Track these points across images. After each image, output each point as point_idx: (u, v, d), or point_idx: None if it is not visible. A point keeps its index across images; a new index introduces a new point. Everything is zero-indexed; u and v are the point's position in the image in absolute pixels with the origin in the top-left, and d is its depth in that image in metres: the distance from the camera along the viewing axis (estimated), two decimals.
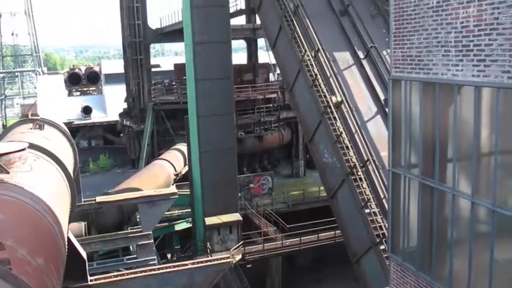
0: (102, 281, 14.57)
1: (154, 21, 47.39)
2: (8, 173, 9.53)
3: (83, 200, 18.78)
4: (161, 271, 15.31)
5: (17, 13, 79.62)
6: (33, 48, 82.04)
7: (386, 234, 13.55)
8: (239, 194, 30.85)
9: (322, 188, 27.19)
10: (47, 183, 10.70)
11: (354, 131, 18.06)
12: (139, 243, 19.12)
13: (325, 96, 18.59)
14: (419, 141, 9.79)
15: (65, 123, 18.87)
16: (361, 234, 16.92)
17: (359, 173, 17.16)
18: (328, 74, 19.25)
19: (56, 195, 10.72)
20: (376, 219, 16.36)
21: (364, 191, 16.84)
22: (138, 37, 43.64)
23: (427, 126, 9.61)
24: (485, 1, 8.01)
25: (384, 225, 15.64)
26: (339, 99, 18.61)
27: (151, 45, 50.52)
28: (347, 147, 17.69)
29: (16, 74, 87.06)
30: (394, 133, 10.50)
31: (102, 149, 53.73)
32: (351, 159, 17.44)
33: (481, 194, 8.34)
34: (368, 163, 17.21)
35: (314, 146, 19.70)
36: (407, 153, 10.28)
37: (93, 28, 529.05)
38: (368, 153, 17.59)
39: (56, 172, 11.91)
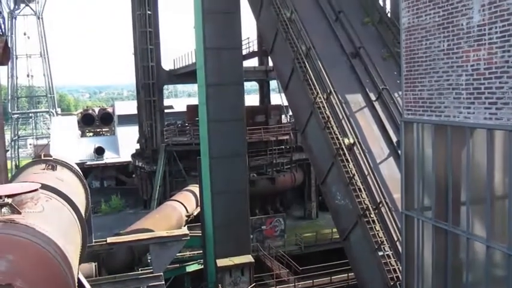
0: None
1: (167, 62, 48.17)
2: (19, 213, 9.55)
3: (94, 240, 18.69)
4: None
5: (33, 55, 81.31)
6: (47, 89, 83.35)
7: (400, 277, 13.31)
8: (251, 236, 30.60)
9: (335, 230, 26.91)
10: (58, 224, 10.70)
11: (366, 173, 17.96)
12: (150, 284, 18.88)
13: (337, 138, 18.57)
14: (432, 183, 9.72)
15: (78, 164, 18.98)
16: (374, 277, 16.61)
17: (372, 215, 16.97)
18: (341, 116, 19.29)
19: (67, 236, 10.70)
20: (389, 262, 16.08)
21: (378, 234, 16.61)
22: (151, 78, 44.26)
23: (439, 169, 9.55)
24: (495, 44, 8.07)
25: (398, 268, 15.36)
26: (351, 141, 18.59)
27: (165, 87, 51.17)
28: (360, 189, 17.55)
29: (30, 114, 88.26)
30: (407, 175, 10.44)
31: (114, 189, 53.82)
32: (364, 201, 17.28)
33: (496, 238, 8.21)
34: (381, 205, 17.04)
35: (326, 188, 19.59)
36: (420, 196, 10.20)
37: (107, 70, 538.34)
38: (381, 196, 17.45)
39: (68, 213, 11.91)
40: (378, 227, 16.78)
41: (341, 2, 24.42)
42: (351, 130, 19.11)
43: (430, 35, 9.89)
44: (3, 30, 29.42)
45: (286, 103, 25.81)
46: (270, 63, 38.53)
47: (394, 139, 19.41)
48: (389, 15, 25.47)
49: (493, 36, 8.24)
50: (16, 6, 78.34)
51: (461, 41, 8.98)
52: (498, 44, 8.10)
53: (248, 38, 40.60)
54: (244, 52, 34.79)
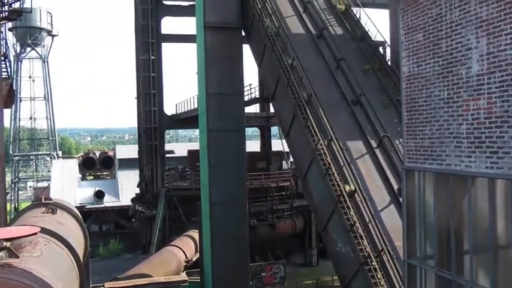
0: None
1: (169, 107, 48.56)
2: (17, 257, 9.48)
3: (91, 285, 18.44)
4: None
5: (37, 98, 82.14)
6: (49, 132, 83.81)
7: None
8: (251, 283, 30.15)
9: (335, 277, 26.54)
10: (56, 268, 10.59)
11: (367, 220, 17.86)
12: None
13: (338, 185, 18.55)
14: (434, 231, 9.66)
15: (77, 207, 18.94)
16: None
17: (373, 263, 16.77)
18: (342, 163, 19.33)
19: (65, 281, 10.57)
20: None
21: (379, 282, 16.38)
22: (153, 123, 44.55)
23: (441, 217, 9.52)
24: (494, 94, 8.18)
25: None
26: (353, 188, 18.56)
27: (166, 131, 51.46)
28: (361, 236, 17.41)
29: (31, 157, 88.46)
30: (409, 223, 10.39)
31: (113, 233, 53.38)
32: (365, 248, 17.11)
33: None
34: (383, 253, 16.87)
35: (327, 235, 19.43)
36: (423, 244, 10.12)
37: (109, 113, 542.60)
38: (382, 243, 17.29)
39: (66, 257, 11.82)
40: (379, 275, 16.56)
41: (342, 49, 24.84)
42: (352, 177, 19.12)
43: (430, 84, 10.03)
44: (9, 73, 29.85)
45: (287, 149, 25.89)
46: (272, 110, 38.85)
47: (395, 187, 19.37)
48: (389, 63, 25.85)
49: (492, 86, 8.36)
50: (22, 50, 79.64)
51: (461, 90, 9.10)
52: (497, 93, 8.21)
53: (250, 85, 41.16)
54: (246, 98, 35.16)
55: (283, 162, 46.04)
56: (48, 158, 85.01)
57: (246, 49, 28.24)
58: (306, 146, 20.50)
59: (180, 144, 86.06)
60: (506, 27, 8.27)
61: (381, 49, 27.13)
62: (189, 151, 47.21)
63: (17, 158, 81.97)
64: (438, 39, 9.95)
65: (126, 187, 58.04)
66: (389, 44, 26.88)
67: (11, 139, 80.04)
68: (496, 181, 8.18)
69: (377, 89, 23.75)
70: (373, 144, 21.06)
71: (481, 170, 8.43)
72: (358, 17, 27.21)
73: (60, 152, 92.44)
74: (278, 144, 44.20)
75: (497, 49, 8.39)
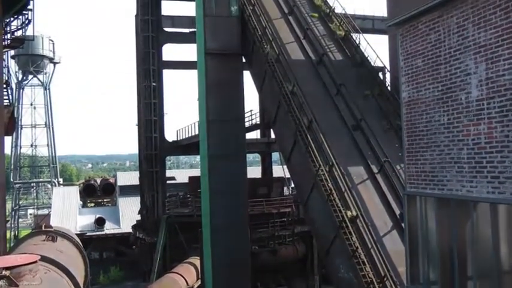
0: None
1: (171, 133, 48.67)
2: (17, 286, 9.41)
3: None
4: None
5: (38, 125, 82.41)
6: (50, 159, 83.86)
7: None
8: None
9: None
10: None
11: (370, 246, 17.74)
12: None
13: (340, 210, 18.48)
14: (437, 257, 9.59)
15: (78, 235, 18.86)
16: None
17: None
18: (343, 189, 19.29)
19: None
20: None
21: None
22: (154, 149, 44.56)
23: (444, 242, 9.46)
24: (494, 119, 8.20)
25: None
26: (354, 213, 18.49)
27: (167, 158, 51.44)
28: (363, 262, 17.28)
29: (32, 184, 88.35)
30: (411, 248, 10.32)
31: (114, 260, 53.00)
32: (368, 274, 16.96)
33: None
34: (385, 279, 16.71)
35: (329, 261, 19.29)
36: (426, 269, 10.04)
37: (110, 140, 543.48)
38: (385, 269, 17.14)
39: (66, 285, 11.74)
40: None
41: (342, 75, 24.98)
42: (353, 202, 19.06)
43: (430, 109, 10.07)
44: (11, 101, 30.00)
45: (288, 175, 25.87)
46: (272, 136, 38.92)
47: (397, 212, 19.30)
48: (389, 88, 25.97)
49: (491, 111, 8.39)
50: (24, 77, 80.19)
51: (461, 115, 9.13)
52: (497, 118, 8.24)
53: (251, 111, 41.25)
54: (247, 124, 35.24)
55: (285, 188, 45.89)
56: (49, 186, 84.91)
57: (247, 75, 28.46)
58: (307, 171, 20.49)
59: (181, 170, 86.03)
60: (504, 53, 8.33)
61: (380, 74, 27.28)
62: (190, 177, 47.11)
63: (17, 185, 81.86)
64: (437, 64, 10.03)
65: (127, 214, 57.81)
66: (388, 69, 27.06)
67: (12, 166, 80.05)
68: (497, 206, 8.15)
69: (377, 114, 23.82)
70: (374, 169, 21.04)
71: (482, 195, 8.41)
72: (357, 42, 27.44)
73: (61, 179, 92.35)
74: (279, 170, 44.16)
75: (495, 74, 8.45)
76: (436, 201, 9.61)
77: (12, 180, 78.56)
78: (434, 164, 9.70)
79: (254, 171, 51.43)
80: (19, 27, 29.18)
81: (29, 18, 28.10)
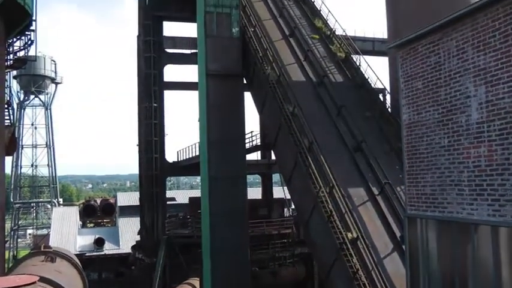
0: None
1: (171, 154, 48.59)
2: None
3: None
4: None
5: (39, 145, 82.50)
6: (50, 179, 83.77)
7: None
8: None
9: None
10: None
11: (370, 268, 17.64)
12: None
13: (340, 232, 18.41)
14: (438, 279, 9.53)
15: (77, 255, 18.77)
16: None
17: None
18: (343, 211, 19.24)
19: None
20: None
21: None
22: (155, 170, 44.49)
23: (445, 265, 9.41)
24: (494, 142, 8.21)
25: None
26: (355, 235, 18.42)
27: (167, 178, 51.35)
28: (364, 284, 17.16)
29: (32, 204, 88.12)
30: (412, 271, 10.26)
31: (113, 281, 52.62)
32: None
33: None
34: None
35: (330, 283, 19.14)
36: None
37: (111, 161, 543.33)
38: None
39: None
40: None
41: (343, 96, 25.07)
42: (354, 224, 18.99)
43: (430, 132, 10.09)
44: (12, 121, 30.11)
45: (288, 196, 25.84)
46: (273, 157, 38.92)
47: (398, 234, 19.22)
48: (389, 109, 26.05)
49: (492, 134, 8.41)
50: (26, 97, 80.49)
51: (461, 137, 9.15)
52: (497, 141, 8.25)
53: (252, 132, 41.32)
54: (247, 145, 35.25)
55: (285, 209, 45.77)
56: (48, 206, 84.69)
57: (248, 96, 28.56)
58: (308, 193, 20.45)
59: (181, 191, 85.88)
60: (503, 76, 8.38)
61: (381, 96, 27.39)
62: (190, 198, 47.02)
63: (17, 205, 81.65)
64: (437, 87, 10.08)
65: (127, 234, 57.57)
66: (389, 91, 27.17)
67: (12, 186, 79.92)
68: (498, 229, 8.13)
69: (378, 135, 23.86)
70: (375, 191, 21.00)
71: (483, 217, 8.39)
72: (358, 64, 27.59)
73: (61, 199, 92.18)
74: (279, 191, 44.12)
75: (495, 97, 8.49)
76: (437, 224, 9.58)
77: (12, 200, 78.37)
78: (434, 186, 9.69)
79: (254, 192, 51.31)
80: (22, 47, 29.44)
81: (32, 38, 28.37)
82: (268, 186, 49.75)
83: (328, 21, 30.37)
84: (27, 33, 28.18)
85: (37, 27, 27.72)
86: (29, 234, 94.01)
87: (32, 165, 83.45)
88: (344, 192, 20.26)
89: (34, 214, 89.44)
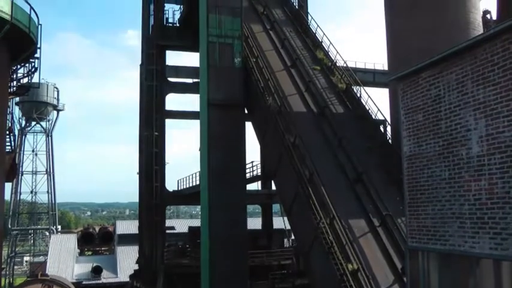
0: None
1: (172, 183, 48.55)
2: None
3: None
4: None
5: (39, 172, 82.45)
6: (50, 206, 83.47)
7: None
8: None
9: None
10: None
11: None
12: None
13: (341, 263, 18.28)
14: None
15: (74, 283, 18.64)
16: None
17: None
18: (344, 242, 19.13)
19: None
20: None
21: None
22: (155, 199, 44.35)
23: None
24: (495, 175, 8.24)
25: None
26: (355, 267, 18.28)
27: (167, 207, 51.14)
28: None
29: (29, 231, 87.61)
30: None
31: None
32: None
33: None
34: None
35: None
36: None
37: (110, 188, 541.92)
38: None
39: None
40: None
41: (343, 127, 25.18)
42: (354, 256, 18.86)
43: (431, 164, 10.12)
44: (13, 147, 30.16)
45: (288, 227, 25.71)
46: (273, 187, 38.86)
47: (399, 266, 19.08)
48: (390, 141, 26.11)
49: (492, 167, 8.45)
50: (27, 124, 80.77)
51: (462, 170, 9.18)
52: (498, 175, 8.28)
53: (252, 162, 41.34)
54: (248, 175, 35.23)
55: (285, 240, 45.49)
56: (46, 233, 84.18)
57: (249, 126, 28.65)
58: (308, 223, 20.38)
59: (181, 220, 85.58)
60: (503, 110, 8.46)
61: (381, 127, 27.50)
62: (189, 227, 46.76)
63: (15, 232, 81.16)
64: (438, 119, 10.15)
65: (125, 263, 57.11)
66: (389, 122, 27.29)
67: (11, 213, 79.58)
68: (501, 263, 8.09)
69: (378, 167, 23.87)
70: (376, 222, 20.92)
71: (485, 251, 8.36)
72: (358, 95, 27.78)
73: (59, 227, 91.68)
74: (280, 222, 43.89)
75: (496, 131, 8.55)
76: (439, 256, 9.54)
77: (10, 226, 77.94)
78: (436, 218, 9.68)
79: (254, 222, 51.04)
80: (25, 75, 29.68)
81: (36, 66, 28.62)
82: (268, 216, 49.55)
83: (329, 53, 30.70)
84: (31, 60, 28.45)
85: (41, 55, 27.99)
86: (26, 261, 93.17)
87: (31, 192, 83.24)
88: (345, 223, 20.18)
89: (31, 241, 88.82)
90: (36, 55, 27.90)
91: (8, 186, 73.41)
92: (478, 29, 25.08)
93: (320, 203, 20.32)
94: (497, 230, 8.14)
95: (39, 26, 26.73)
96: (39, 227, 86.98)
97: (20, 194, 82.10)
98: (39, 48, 27.43)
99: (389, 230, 20.60)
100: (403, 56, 25.15)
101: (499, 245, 8.08)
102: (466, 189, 8.97)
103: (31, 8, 25.39)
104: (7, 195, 75.74)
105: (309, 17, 34.95)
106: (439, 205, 9.61)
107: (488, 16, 34.97)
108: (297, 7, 36.71)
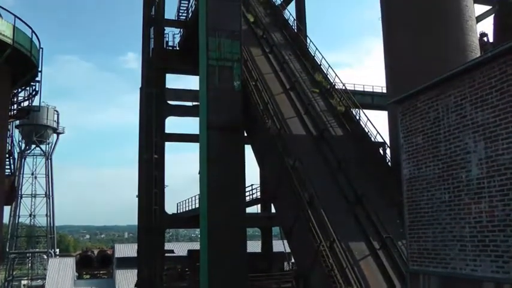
0: None
1: (170, 205, 48.35)
2: None
3: None
4: None
5: (38, 195, 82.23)
6: (48, 229, 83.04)
7: None
8: None
9: None
10: None
11: None
12: None
13: (341, 287, 18.14)
14: None
15: None
16: None
17: None
18: (344, 265, 19.01)
19: None
20: None
21: None
22: (154, 222, 44.16)
23: None
24: (495, 198, 8.24)
25: None
26: None
27: (166, 230, 50.89)
28: None
29: (28, 254, 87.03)
30: None
31: None
32: None
33: None
34: None
35: None
36: None
37: (109, 211, 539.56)
38: None
39: None
40: None
41: (343, 150, 25.19)
42: (355, 279, 18.72)
43: (431, 187, 10.12)
44: (12, 170, 30.10)
45: (288, 250, 25.56)
46: (273, 210, 38.74)
47: None
48: (390, 163, 26.11)
49: (492, 190, 8.44)
50: (27, 147, 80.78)
51: (462, 193, 9.17)
52: (498, 197, 8.27)
53: (252, 185, 41.26)
54: (247, 198, 35.14)
55: (285, 263, 45.18)
56: (45, 256, 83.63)
57: (248, 149, 28.68)
58: (308, 247, 20.27)
59: (180, 243, 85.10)
60: (502, 133, 8.48)
61: (381, 150, 27.51)
62: (189, 251, 46.51)
63: (13, 255, 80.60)
64: (437, 142, 10.17)
65: (124, 287, 56.59)
66: (389, 144, 27.32)
67: (9, 236, 79.13)
68: (503, 286, 8.04)
69: (378, 189, 23.82)
70: (376, 245, 20.80)
71: (487, 274, 8.31)
72: (357, 118, 27.85)
73: (57, 250, 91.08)
74: (279, 245, 43.63)
75: (495, 153, 8.56)
76: (440, 279, 9.48)
77: (7, 250, 77.44)
78: (436, 241, 9.65)
79: (254, 246, 50.77)
80: (26, 98, 29.77)
81: (36, 89, 28.71)
82: (268, 239, 49.30)
83: (328, 75, 30.87)
84: (32, 83, 28.56)
85: (42, 78, 28.09)
86: (24, 285, 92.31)
87: (30, 215, 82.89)
88: (345, 246, 20.07)
89: (29, 264, 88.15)
90: (37, 78, 28.01)
91: (6, 209, 73.16)
92: (476, 52, 25.27)
93: (320, 226, 20.24)
94: (498, 253, 8.10)
95: (41, 50, 26.90)
96: (37, 250, 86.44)
97: (19, 217, 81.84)
98: (40, 71, 27.55)
99: (389, 252, 20.47)
100: (402, 78, 25.29)
101: (500, 268, 8.04)
102: (466, 211, 8.96)
103: (32, 31, 25.58)
104: (5, 219, 75.47)
105: (308, 40, 35.26)
106: (440, 228, 9.58)
107: (485, 39, 35.27)
108: (295, 30, 37.01)
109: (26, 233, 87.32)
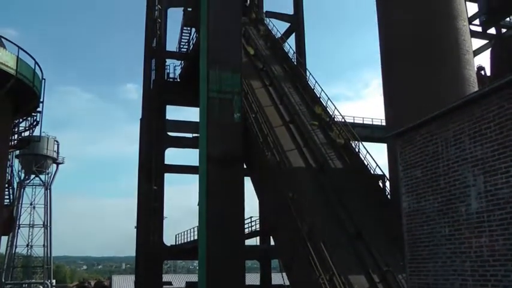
0: None
1: (169, 238, 48.00)
2: None
3: None
4: None
5: (36, 225, 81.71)
6: (45, 260, 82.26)
7: None
8: None
9: None
10: None
11: None
12: None
13: None
14: None
15: None
16: None
17: None
18: None
19: None
20: None
21: None
22: (152, 253, 43.79)
23: None
24: (495, 232, 8.22)
25: None
26: None
27: (164, 262, 50.45)
28: None
29: (24, 285, 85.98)
30: None
31: None
32: None
33: None
34: None
35: None
36: None
37: (107, 242, 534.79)
38: None
39: None
40: None
41: (342, 182, 25.17)
42: None
43: (431, 220, 10.10)
44: (11, 200, 30.04)
45: (287, 283, 25.30)
46: (272, 242, 38.48)
47: None
48: (389, 196, 26.05)
49: (492, 224, 8.43)
50: (26, 177, 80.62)
51: (462, 227, 9.15)
52: (498, 231, 8.26)
53: (251, 217, 41.06)
54: (246, 230, 34.94)
55: None
56: (41, 287, 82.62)
57: (248, 181, 28.63)
58: (307, 280, 20.08)
59: (178, 275, 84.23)
60: (501, 167, 8.52)
61: (380, 182, 27.48)
62: (187, 283, 46.05)
63: (8, 286, 79.61)
64: (436, 176, 10.19)
65: None
66: (388, 177, 27.30)
67: (5, 266, 78.34)
68: None
69: (378, 222, 23.71)
70: (376, 278, 20.60)
71: None
72: (357, 150, 27.89)
73: (54, 281, 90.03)
74: (278, 278, 43.20)
75: (494, 187, 8.58)
76: None
77: (3, 280, 76.56)
78: (437, 275, 9.59)
79: (253, 278, 50.26)
80: (27, 128, 29.88)
81: (37, 120, 28.83)
82: (267, 272, 48.83)
83: (327, 108, 31.04)
84: (33, 114, 28.69)
85: (43, 109, 28.23)
86: None
87: (27, 245, 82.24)
88: (344, 279, 19.87)
89: None
90: (38, 109, 28.16)
91: (3, 239, 72.68)
92: (474, 85, 25.47)
93: (319, 259, 20.08)
94: None
95: (43, 81, 27.12)
96: (33, 281, 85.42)
97: (16, 247, 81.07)
98: (42, 102, 27.72)
99: (390, 286, 20.27)
100: (401, 112, 25.44)
101: None
102: (466, 246, 8.93)
103: (36, 62, 25.84)
104: (2, 248, 74.93)
105: (307, 73, 35.57)
106: (440, 262, 9.53)
107: (482, 72, 35.60)
108: (295, 63, 37.36)
109: (23, 263, 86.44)
